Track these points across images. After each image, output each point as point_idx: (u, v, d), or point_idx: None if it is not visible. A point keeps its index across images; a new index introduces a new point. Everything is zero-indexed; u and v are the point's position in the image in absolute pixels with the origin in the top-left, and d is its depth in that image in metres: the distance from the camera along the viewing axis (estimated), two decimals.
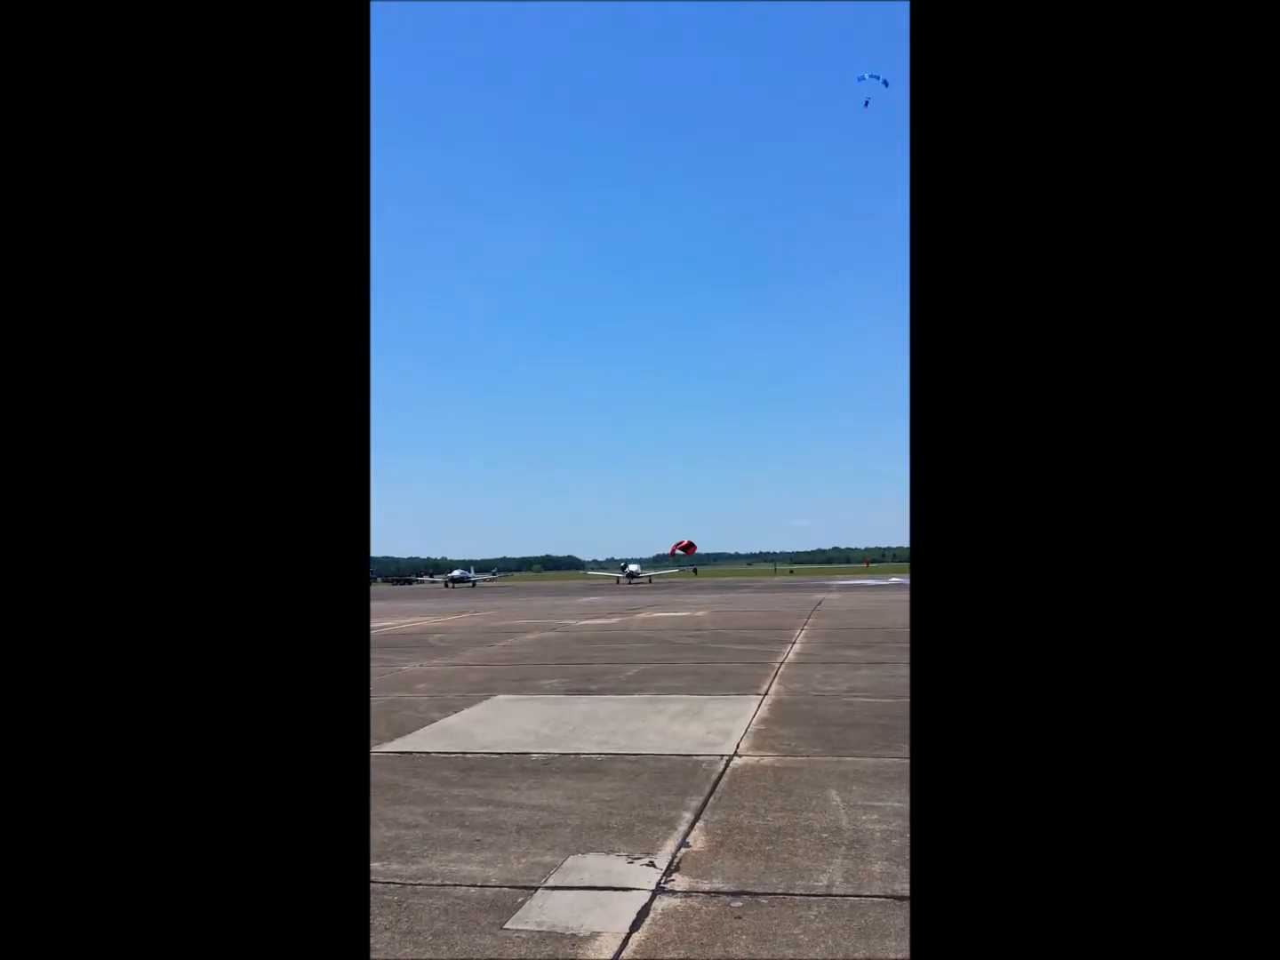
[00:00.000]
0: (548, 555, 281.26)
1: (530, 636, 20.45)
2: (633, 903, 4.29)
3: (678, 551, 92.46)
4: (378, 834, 5.42)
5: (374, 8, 2.42)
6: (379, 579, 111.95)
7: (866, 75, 29.96)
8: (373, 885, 4.59)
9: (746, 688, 11.21)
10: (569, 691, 11.25)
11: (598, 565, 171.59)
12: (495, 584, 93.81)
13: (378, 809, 5.86)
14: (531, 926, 4.04)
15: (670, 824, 5.52)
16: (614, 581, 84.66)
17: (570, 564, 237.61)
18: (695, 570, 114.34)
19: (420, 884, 4.62)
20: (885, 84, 30.87)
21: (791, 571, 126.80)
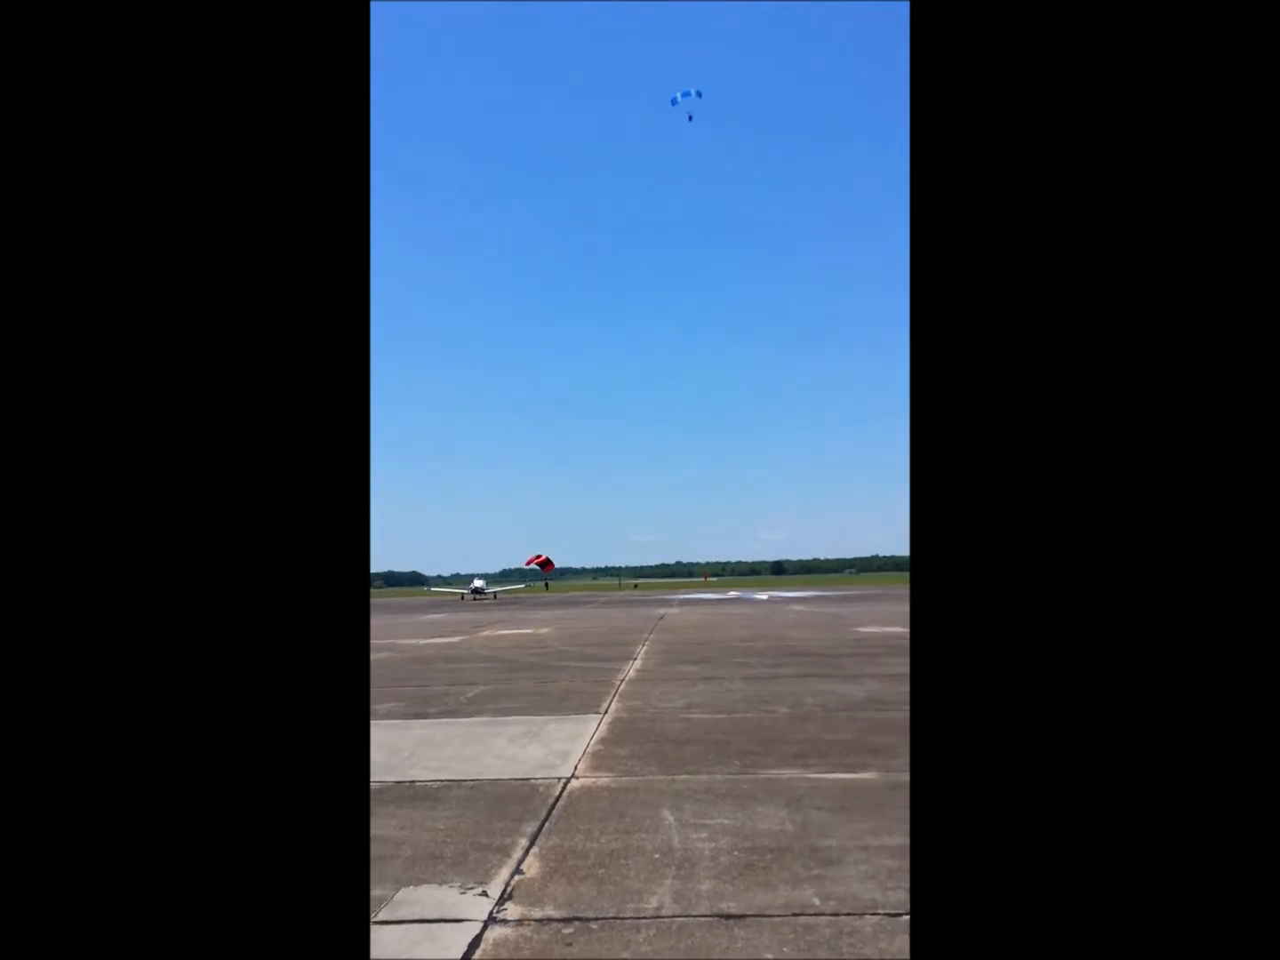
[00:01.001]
0: (390, 571, 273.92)
1: None
2: (464, 934, 4.28)
3: (534, 565, 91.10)
4: None
5: (374, 8, 2.42)
6: None
7: (679, 96, 30.76)
8: None
9: (587, 707, 11.29)
10: (405, 716, 11.03)
11: (442, 581, 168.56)
12: None
13: None
14: None
15: (505, 851, 5.52)
16: (459, 598, 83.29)
17: (414, 580, 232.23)
18: (547, 585, 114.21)
19: None
20: (699, 95, 31.77)
21: (635, 586, 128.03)
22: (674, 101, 31.36)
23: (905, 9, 2.31)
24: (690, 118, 33.62)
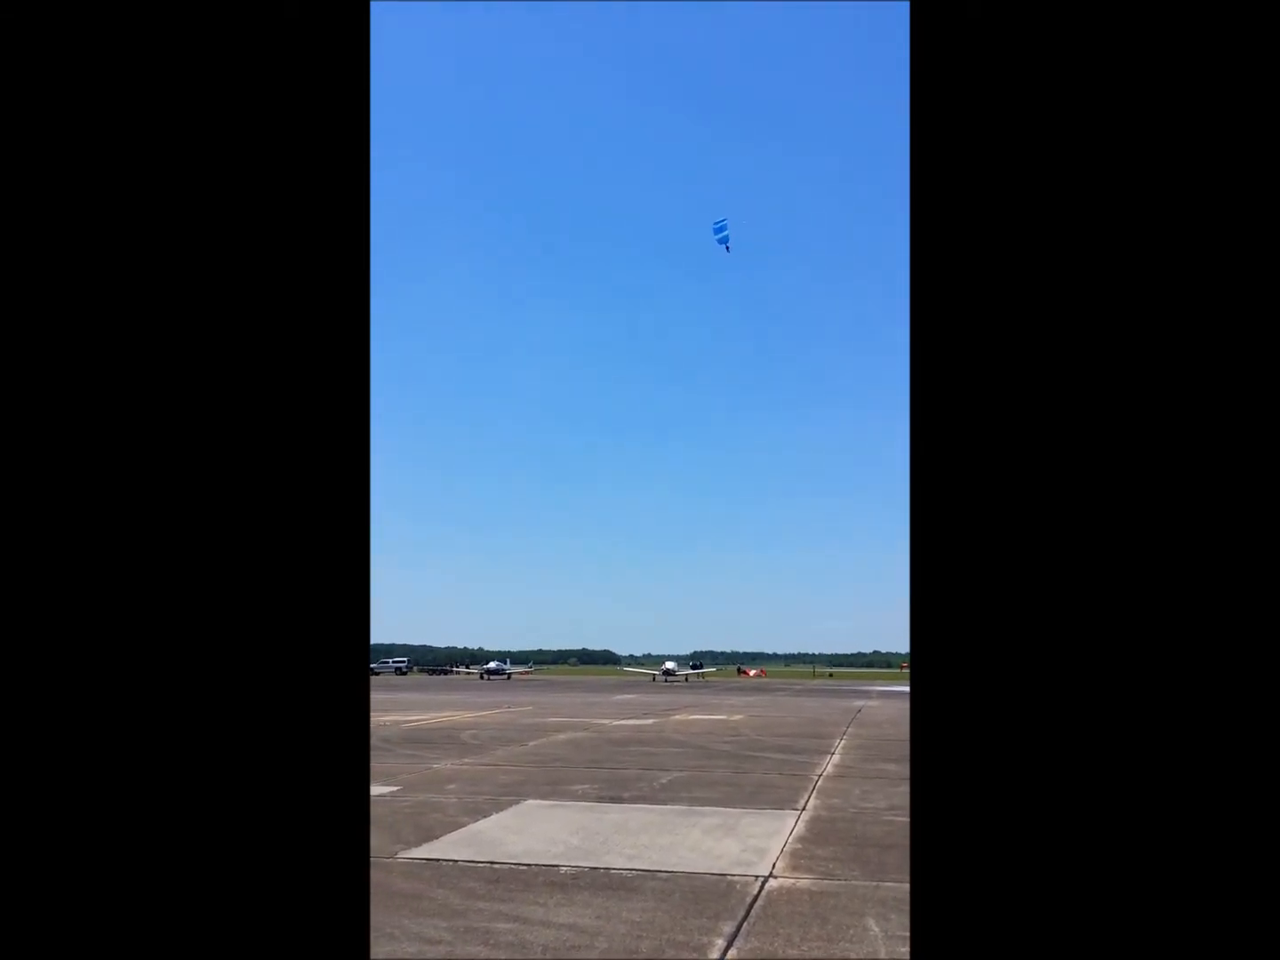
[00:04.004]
0: (584, 649, 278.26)
1: (562, 736, 20.15)
2: None
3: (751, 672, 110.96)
4: (400, 949, 5.28)
5: (374, 8, 2.45)
6: (416, 668, 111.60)
7: (723, 232, 31.59)
8: None
9: (783, 801, 10.92)
10: (600, 799, 11.01)
11: (634, 661, 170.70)
12: (530, 677, 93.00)
13: (400, 921, 5.73)
14: None
15: (701, 951, 5.32)
16: (650, 679, 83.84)
17: (607, 659, 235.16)
18: (744, 670, 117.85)
19: None
20: (727, 246, 32.88)
21: (831, 675, 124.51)
22: (724, 240, 32.54)
23: (905, 9, 2.32)
24: (728, 247, 34.54)
